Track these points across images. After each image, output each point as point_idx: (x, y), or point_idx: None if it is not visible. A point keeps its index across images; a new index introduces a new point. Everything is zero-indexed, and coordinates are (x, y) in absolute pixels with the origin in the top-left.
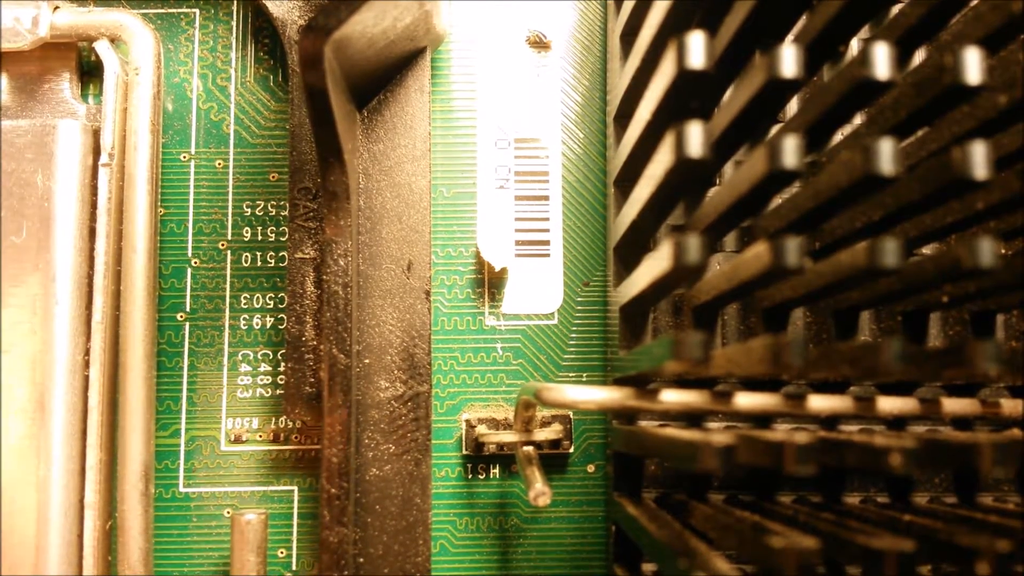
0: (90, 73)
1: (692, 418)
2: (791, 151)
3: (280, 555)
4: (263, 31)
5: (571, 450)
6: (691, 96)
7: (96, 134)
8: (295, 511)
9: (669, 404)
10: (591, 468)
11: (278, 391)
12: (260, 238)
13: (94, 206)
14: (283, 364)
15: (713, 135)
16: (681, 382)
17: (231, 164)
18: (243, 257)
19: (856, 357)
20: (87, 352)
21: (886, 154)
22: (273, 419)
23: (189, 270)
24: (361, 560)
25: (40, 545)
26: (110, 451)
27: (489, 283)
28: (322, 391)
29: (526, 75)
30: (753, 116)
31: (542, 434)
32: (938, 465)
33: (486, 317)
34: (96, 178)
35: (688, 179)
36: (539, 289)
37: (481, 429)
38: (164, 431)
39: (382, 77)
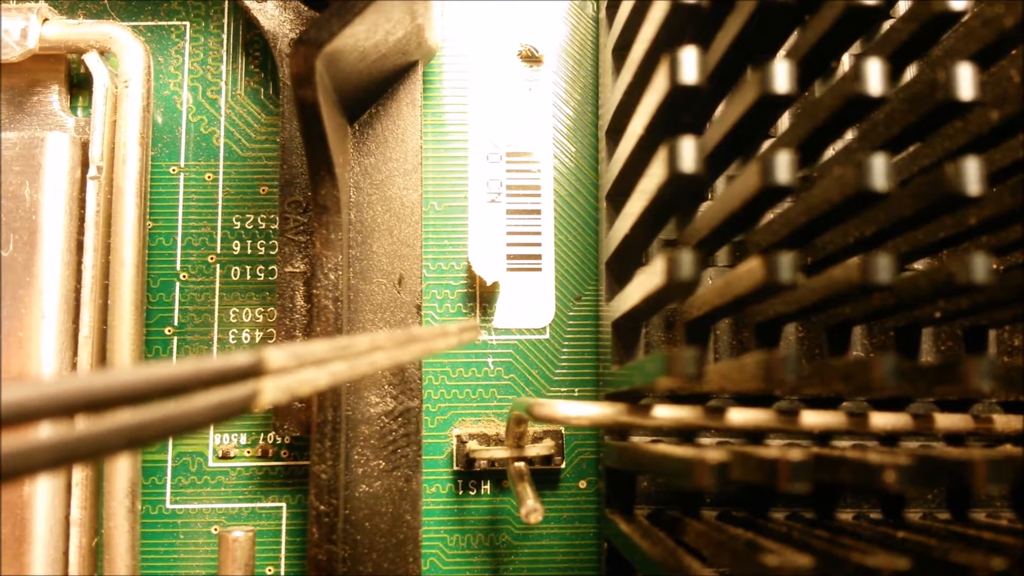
0: (79, 85)
1: (685, 434)
2: (784, 166)
3: (268, 573)
4: (254, 44)
5: (563, 466)
6: (683, 111)
7: (85, 147)
8: (283, 528)
9: (662, 420)
10: (583, 484)
11: None
12: (250, 252)
13: (82, 219)
14: None
15: (706, 150)
16: (674, 397)
17: (221, 177)
18: (232, 271)
19: (850, 373)
20: (74, 366)
21: (879, 169)
22: (262, 435)
23: (177, 284)
24: None
25: (25, 562)
26: (96, 467)
27: (480, 297)
28: (311, 406)
29: (518, 89)
30: (745, 131)
31: (534, 450)
32: (933, 482)
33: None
34: (84, 191)
35: (681, 194)
36: (531, 303)
37: (472, 445)
38: (151, 447)
39: (374, 91)
